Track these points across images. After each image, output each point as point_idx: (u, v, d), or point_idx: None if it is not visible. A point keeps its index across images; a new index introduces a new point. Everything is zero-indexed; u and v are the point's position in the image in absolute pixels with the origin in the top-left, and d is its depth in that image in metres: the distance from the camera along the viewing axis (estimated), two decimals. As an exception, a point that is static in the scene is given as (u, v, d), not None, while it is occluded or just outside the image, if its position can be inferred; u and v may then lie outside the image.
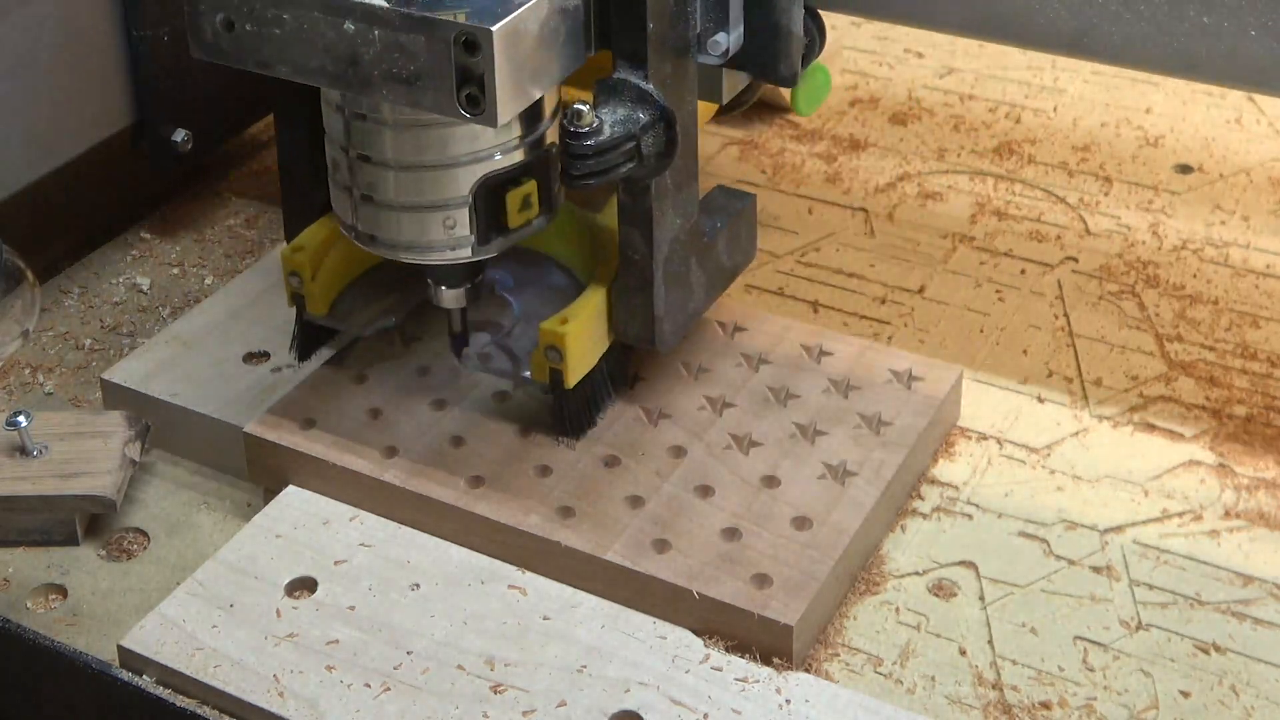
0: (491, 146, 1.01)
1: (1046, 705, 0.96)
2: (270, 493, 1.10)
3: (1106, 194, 1.37)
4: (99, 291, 1.32)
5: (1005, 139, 1.44)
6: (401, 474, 1.06)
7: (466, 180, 1.01)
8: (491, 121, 0.92)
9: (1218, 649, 0.99)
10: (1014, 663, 0.98)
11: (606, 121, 0.96)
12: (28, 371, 1.23)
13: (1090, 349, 1.21)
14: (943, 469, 1.11)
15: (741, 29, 1.03)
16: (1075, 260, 1.30)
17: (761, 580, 0.98)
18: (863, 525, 1.02)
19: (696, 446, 1.07)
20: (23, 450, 1.09)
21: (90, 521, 1.10)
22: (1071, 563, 1.04)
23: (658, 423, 1.09)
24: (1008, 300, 1.26)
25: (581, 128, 0.95)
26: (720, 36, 1.01)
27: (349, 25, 0.93)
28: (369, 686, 0.95)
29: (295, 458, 1.08)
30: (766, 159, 1.43)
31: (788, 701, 0.94)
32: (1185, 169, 1.40)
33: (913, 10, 1.08)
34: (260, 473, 1.11)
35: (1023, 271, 1.29)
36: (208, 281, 1.33)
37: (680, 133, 0.99)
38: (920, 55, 1.57)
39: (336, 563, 1.03)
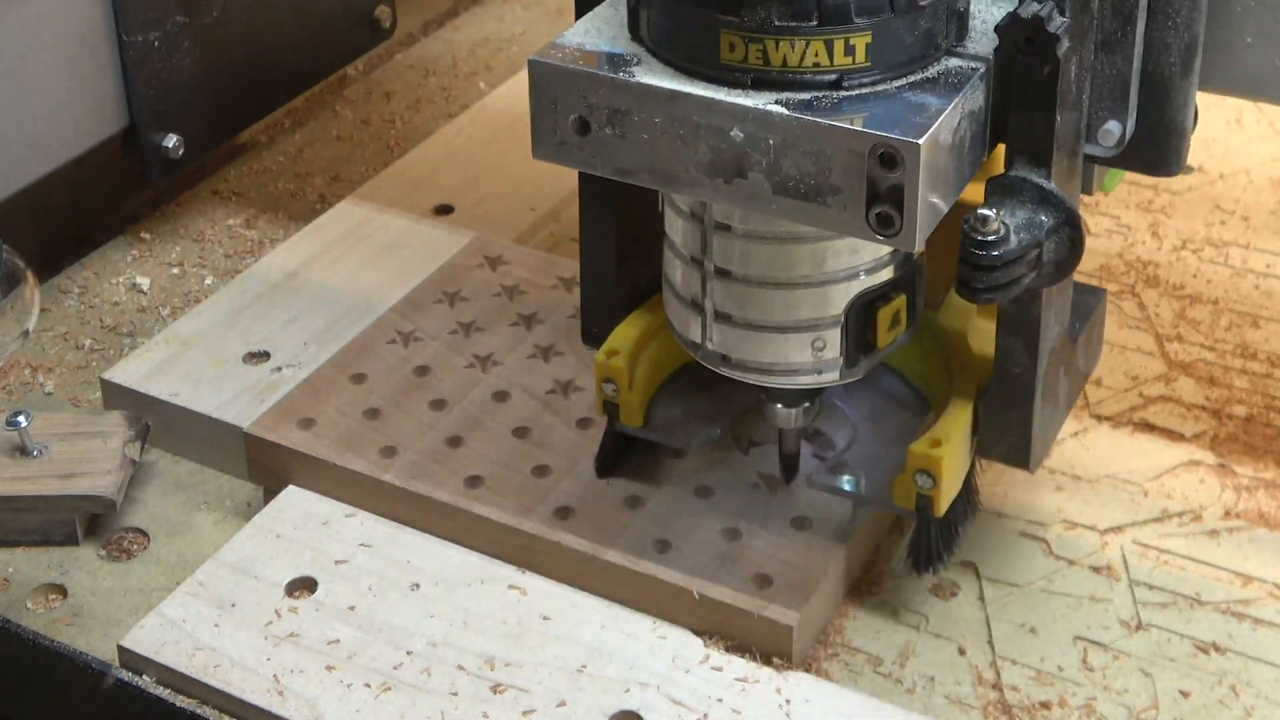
0: (870, 261, 0.91)
1: (1046, 705, 0.96)
2: (270, 493, 1.10)
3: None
4: (99, 291, 1.32)
5: (1005, 139, 1.44)
6: (401, 474, 1.06)
7: (841, 298, 0.91)
8: (909, 244, 0.82)
9: (1218, 649, 0.99)
10: (1014, 663, 0.98)
11: (1010, 227, 0.85)
12: (28, 371, 1.23)
13: (1090, 349, 1.21)
14: (943, 469, 1.11)
15: (1136, 116, 0.92)
16: (1075, 260, 1.30)
17: (761, 580, 0.98)
18: (863, 525, 1.02)
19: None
20: (23, 450, 1.09)
21: (90, 521, 1.10)
22: (1071, 563, 1.04)
23: (658, 423, 1.09)
24: (1008, 300, 1.26)
25: (987, 235, 0.84)
26: (1112, 125, 0.91)
27: (737, 133, 0.84)
28: (369, 686, 0.95)
29: (295, 458, 1.08)
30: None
31: (788, 701, 0.94)
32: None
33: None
34: (260, 473, 1.11)
35: (1023, 271, 1.29)
36: (208, 281, 1.33)
37: (1083, 236, 0.88)
38: (920, 55, 1.57)
39: (336, 563, 1.03)
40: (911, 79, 0.85)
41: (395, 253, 1.29)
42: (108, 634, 1.02)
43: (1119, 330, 1.23)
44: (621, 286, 1.02)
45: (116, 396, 1.17)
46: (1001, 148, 0.89)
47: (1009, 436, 0.96)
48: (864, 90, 0.84)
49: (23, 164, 1.24)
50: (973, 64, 0.87)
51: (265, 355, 1.19)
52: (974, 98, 0.86)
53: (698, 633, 0.98)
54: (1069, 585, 1.03)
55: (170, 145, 1.31)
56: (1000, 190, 0.88)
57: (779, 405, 0.99)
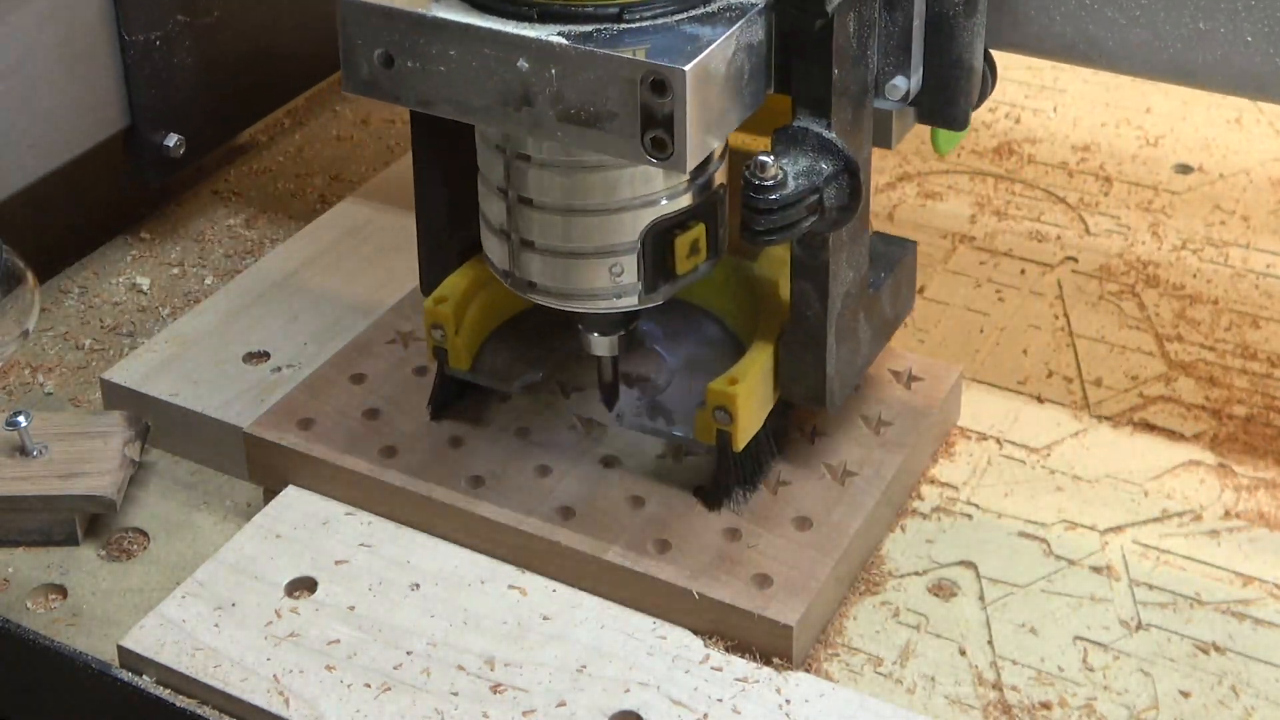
0: (663, 190, 0.95)
1: (1046, 705, 0.96)
2: (270, 493, 1.10)
3: (1106, 194, 1.37)
4: (99, 291, 1.32)
5: (1005, 139, 1.44)
6: (401, 474, 1.06)
7: (635, 225, 0.96)
8: (680, 167, 0.87)
9: (1218, 649, 0.99)
10: (1014, 663, 0.98)
11: (789, 173, 0.90)
12: (28, 371, 1.23)
13: (1090, 349, 1.21)
14: (943, 469, 1.11)
15: (921, 72, 0.97)
16: (1075, 260, 1.30)
17: (761, 580, 0.98)
18: (863, 525, 1.02)
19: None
20: (23, 450, 1.09)
21: (90, 521, 1.10)
22: (1071, 563, 1.04)
23: (658, 423, 1.09)
24: (1008, 300, 1.26)
25: (765, 180, 0.89)
26: (899, 80, 0.95)
27: (523, 63, 0.88)
28: (369, 686, 0.95)
29: (295, 458, 1.08)
30: (766, 159, 1.43)
31: (788, 701, 0.94)
32: (1185, 169, 1.40)
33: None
34: (260, 473, 1.11)
35: (1023, 271, 1.29)
36: (208, 281, 1.33)
37: (862, 184, 0.94)
38: (920, 55, 1.57)
39: (336, 563, 1.03)
40: (692, 13, 0.90)
41: (395, 253, 1.29)
42: (108, 634, 1.02)
43: (1119, 330, 1.23)
44: (455, 240, 1.07)
45: (116, 396, 1.17)
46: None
47: (806, 377, 1.00)
48: (644, 23, 0.89)
49: (23, 164, 1.24)
50: (753, 0, 0.91)
51: (265, 355, 1.19)
52: (752, 32, 0.90)
53: (698, 633, 0.98)
54: (1069, 585, 1.03)
55: (171, 145, 1.31)
56: (784, 139, 0.92)
57: (595, 334, 1.02)
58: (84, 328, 1.28)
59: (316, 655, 0.97)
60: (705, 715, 0.93)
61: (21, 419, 1.08)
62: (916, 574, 1.04)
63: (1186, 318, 1.23)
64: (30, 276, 1.04)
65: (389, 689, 0.95)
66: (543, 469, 1.06)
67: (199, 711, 0.95)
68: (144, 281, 1.33)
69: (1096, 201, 1.36)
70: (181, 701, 0.96)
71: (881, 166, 1.41)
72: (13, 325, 1.03)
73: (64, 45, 1.24)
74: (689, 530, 1.01)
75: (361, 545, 1.05)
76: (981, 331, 1.23)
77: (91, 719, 1.01)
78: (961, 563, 1.05)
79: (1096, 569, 1.04)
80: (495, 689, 0.95)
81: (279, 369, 1.17)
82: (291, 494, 1.08)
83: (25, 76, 1.22)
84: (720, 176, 0.98)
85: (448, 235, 1.07)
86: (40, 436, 1.09)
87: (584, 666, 0.96)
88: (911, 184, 1.39)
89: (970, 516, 1.08)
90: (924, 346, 1.22)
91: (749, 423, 1.00)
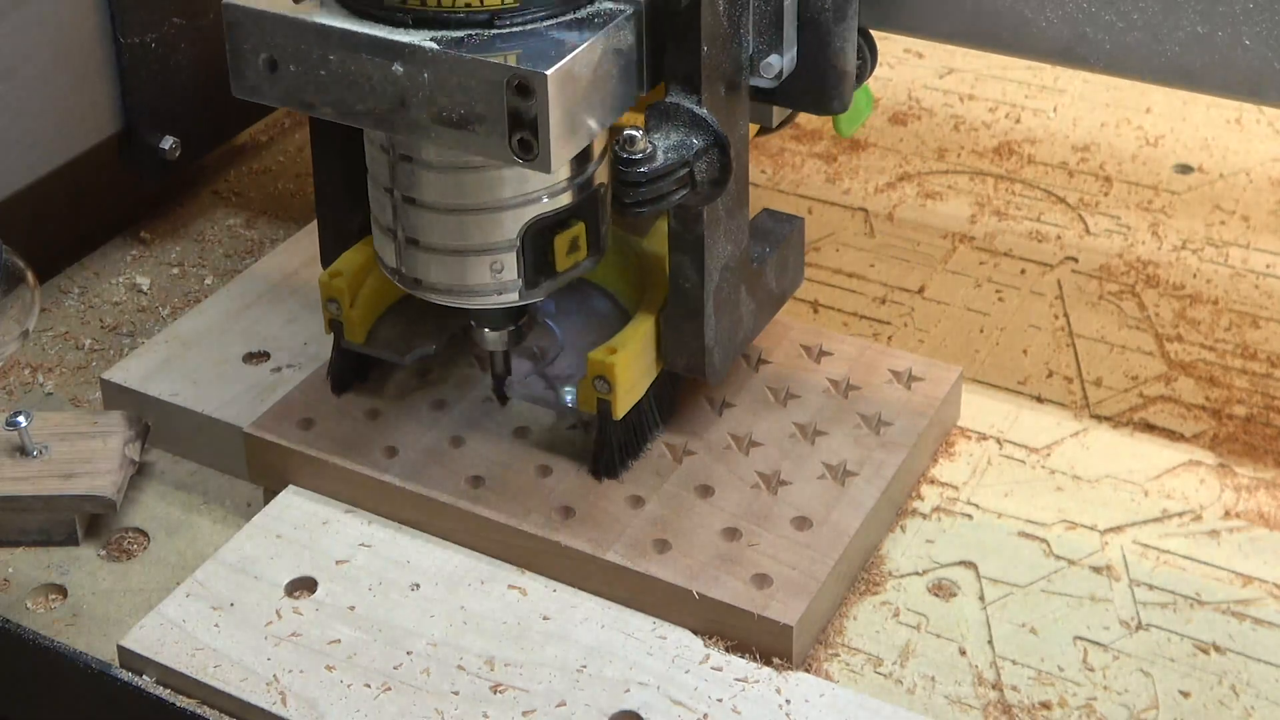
0: (540, 189, 0.98)
1: (1046, 705, 0.96)
2: (270, 493, 1.10)
3: (1106, 194, 1.37)
4: (99, 291, 1.32)
5: (1005, 139, 1.44)
6: (401, 474, 1.06)
7: (514, 224, 0.98)
8: (545, 167, 0.90)
9: (1218, 649, 0.99)
10: (1014, 663, 0.98)
11: (659, 147, 0.93)
12: (28, 371, 1.23)
13: (1090, 349, 1.21)
14: (943, 469, 1.11)
15: (795, 51, 0.99)
16: (1075, 260, 1.30)
17: (761, 580, 0.98)
18: (863, 525, 1.02)
19: (696, 446, 1.07)
20: (23, 450, 1.09)
21: (90, 521, 1.10)
22: (1071, 563, 1.04)
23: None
24: (1008, 300, 1.26)
25: (634, 154, 0.92)
26: (773, 59, 0.98)
27: (397, 67, 0.91)
28: (369, 686, 0.95)
29: (295, 458, 1.08)
30: (766, 159, 1.43)
31: (788, 701, 0.94)
32: (1185, 169, 1.40)
33: (908, 21, 1.07)
34: (260, 473, 1.11)
35: (1023, 271, 1.29)
36: (208, 281, 1.33)
37: (734, 159, 0.96)
38: (920, 55, 1.57)
39: (337, 563, 1.03)
40: (562, 19, 0.93)
41: (395, 253, 1.29)
42: (108, 634, 1.02)
43: (1119, 330, 1.23)
44: (354, 216, 1.09)
45: (116, 396, 1.17)
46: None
47: (686, 348, 1.02)
48: (514, 29, 0.92)
49: (19, 166, 1.24)
50: (623, 6, 0.94)
51: (265, 355, 1.19)
52: (620, 36, 0.93)
53: (698, 633, 0.98)
54: (1069, 585, 1.03)
55: (167, 147, 1.31)
56: (657, 115, 0.95)
57: (486, 329, 1.05)
58: (84, 328, 1.28)
59: (316, 655, 0.97)
60: (705, 715, 0.94)
61: (21, 419, 1.08)
62: (916, 574, 1.04)
63: (1186, 318, 1.23)
64: (30, 276, 1.04)
65: (389, 689, 0.95)
66: (543, 469, 1.06)
67: (199, 711, 0.95)
68: (144, 281, 1.33)
69: (1096, 201, 1.36)
70: (181, 701, 0.96)
71: (882, 166, 1.41)
72: (13, 325, 1.03)
73: (59, 48, 1.24)
74: (689, 530, 1.01)
75: (361, 545, 1.05)
76: (981, 331, 1.23)
77: (91, 719, 1.01)
78: (961, 563, 1.05)
79: (1096, 569, 1.04)
80: (495, 689, 0.95)
81: (279, 369, 1.17)
82: (291, 494, 1.08)
83: (20, 79, 1.22)
84: (601, 176, 1.00)
85: (347, 212, 1.09)
86: (40, 436, 1.09)
87: (584, 666, 0.96)
88: (911, 184, 1.39)
89: (970, 516, 1.08)
90: (924, 346, 1.22)
91: (628, 392, 1.02)
